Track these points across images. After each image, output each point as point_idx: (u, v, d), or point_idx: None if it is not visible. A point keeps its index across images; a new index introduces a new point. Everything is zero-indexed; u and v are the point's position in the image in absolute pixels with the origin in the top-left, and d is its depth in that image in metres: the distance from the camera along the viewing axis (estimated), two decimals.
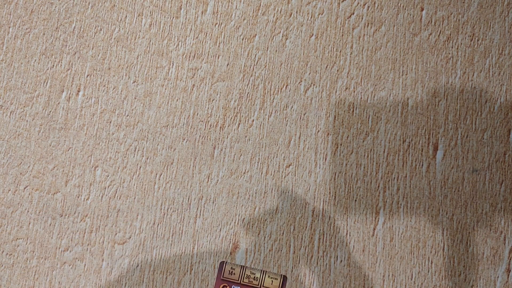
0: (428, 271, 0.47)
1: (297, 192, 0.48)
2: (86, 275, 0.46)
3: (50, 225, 0.47)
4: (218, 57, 0.51)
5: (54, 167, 0.48)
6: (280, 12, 0.51)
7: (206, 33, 0.51)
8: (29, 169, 0.48)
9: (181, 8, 0.51)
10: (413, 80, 0.50)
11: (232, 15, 0.51)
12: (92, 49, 0.50)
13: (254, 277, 0.46)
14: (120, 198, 0.47)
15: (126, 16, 0.51)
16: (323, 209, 0.48)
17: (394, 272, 0.47)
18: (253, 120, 0.49)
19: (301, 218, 0.48)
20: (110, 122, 0.49)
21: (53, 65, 0.50)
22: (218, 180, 0.48)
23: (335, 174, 0.48)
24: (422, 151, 0.49)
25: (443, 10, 0.52)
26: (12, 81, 0.50)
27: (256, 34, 0.51)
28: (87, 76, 0.50)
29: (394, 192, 0.48)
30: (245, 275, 0.46)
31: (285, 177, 0.48)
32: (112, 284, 0.45)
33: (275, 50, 0.51)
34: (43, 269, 0.46)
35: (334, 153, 0.49)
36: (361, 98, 0.50)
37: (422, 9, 0.52)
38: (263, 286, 0.46)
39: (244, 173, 0.48)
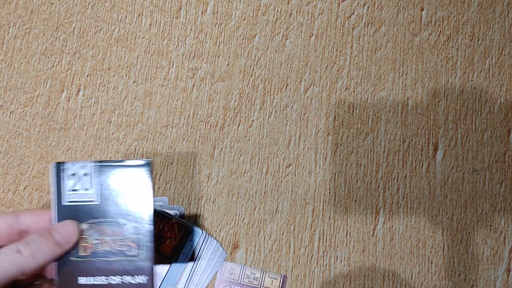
0: (428, 271, 0.47)
1: (297, 192, 0.48)
2: None
3: None
4: (218, 57, 0.51)
5: None
6: (280, 12, 0.51)
7: (206, 33, 0.51)
8: (29, 169, 0.48)
9: (181, 8, 0.51)
10: (413, 80, 0.50)
11: (232, 15, 0.51)
12: (92, 49, 0.50)
13: (254, 277, 0.46)
14: None
15: (126, 16, 0.51)
16: (323, 209, 0.48)
17: (394, 272, 0.47)
18: (253, 120, 0.49)
19: (301, 218, 0.47)
20: (110, 122, 0.49)
21: (53, 65, 0.50)
22: (218, 180, 0.48)
23: (335, 174, 0.48)
24: (422, 151, 0.49)
25: (443, 10, 0.52)
26: (12, 81, 0.50)
27: (256, 34, 0.51)
28: (87, 76, 0.50)
29: (394, 192, 0.48)
30: (245, 275, 0.46)
31: (285, 177, 0.48)
32: None
33: (275, 50, 0.51)
34: None
35: (334, 153, 0.49)
36: (361, 98, 0.50)
37: (422, 9, 0.52)
38: (263, 286, 0.46)
39: (244, 173, 0.48)
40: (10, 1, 0.51)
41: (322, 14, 0.51)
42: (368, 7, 0.52)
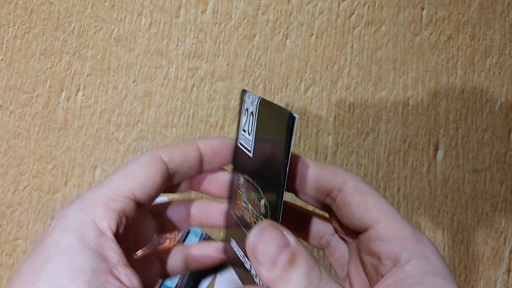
0: None
1: None
2: None
3: (49, 225, 0.46)
4: (218, 57, 0.50)
5: (53, 167, 0.48)
6: (280, 11, 0.51)
7: (206, 33, 0.51)
8: (29, 169, 0.48)
9: (180, 8, 0.51)
10: (413, 80, 0.50)
11: (232, 14, 0.51)
12: (92, 49, 0.50)
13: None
14: None
15: (126, 15, 0.51)
16: None
17: None
18: None
19: None
20: (110, 122, 0.49)
21: (53, 65, 0.50)
22: None
23: None
24: (422, 151, 0.49)
25: (444, 10, 0.52)
26: (12, 81, 0.50)
27: (256, 34, 0.51)
28: (87, 76, 0.50)
29: (395, 192, 0.48)
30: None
31: None
32: None
33: (275, 50, 0.51)
34: None
35: (335, 153, 0.49)
36: (361, 98, 0.50)
37: (423, 9, 0.52)
38: None
39: None
40: (10, 0, 0.51)
41: (322, 13, 0.51)
42: (369, 6, 0.51)
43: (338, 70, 0.50)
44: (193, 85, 0.50)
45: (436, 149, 0.49)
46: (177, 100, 0.50)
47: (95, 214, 0.21)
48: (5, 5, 0.51)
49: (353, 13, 0.51)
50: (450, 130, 0.49)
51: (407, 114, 0.50)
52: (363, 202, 0.24)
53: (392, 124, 0.49)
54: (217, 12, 0.51)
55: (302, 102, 0.50)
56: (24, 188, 0.48)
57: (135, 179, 0.23)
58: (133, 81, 0.50)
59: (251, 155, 0.25)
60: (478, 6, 0.52)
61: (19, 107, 0.49)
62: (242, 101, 0.26)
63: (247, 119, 0.25)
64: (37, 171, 0.48)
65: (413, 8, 0.52)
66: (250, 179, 0.25)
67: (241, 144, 0.26)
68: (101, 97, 0.49)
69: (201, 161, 0.26)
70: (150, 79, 0.50)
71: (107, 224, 0.21)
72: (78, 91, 0.50)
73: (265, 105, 0.24)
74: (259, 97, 0.24)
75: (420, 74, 0.50)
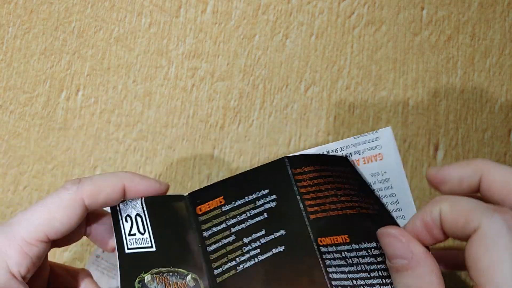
0: None
1: None
2: None
3: None
4: (218, 57, 0.50)
5: (53, 167, 0.48)
6: (280, 11, 0.51)
7: (206, 33, 0.51)
8: (29, 169, 0.48)
9: (180, 8, 0.51)
10: (413, 80, 0.50)
11: (232, 14, 0.51)
12: (92, 48, 0.50)
13: None
14: None
15: (126, 15, 0.51)
16: None
17: None
18: (253, 120, 0.49)
19: None
20: (110, 122, 0.49)
21: (53, 65, 0.50)
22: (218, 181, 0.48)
23: None
24: (422, 151, 0.49)
25: (444, 10, 0.52)
26: (12, 80, 0.50)
27: (256, 34, 0.51)
28: (87, 76, 0.50)
29: None
30: None
31: None
32: None
33: (275, 50, 0.51)
34: None
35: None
36: (361, 98, 0.50)
37: (423, 9, 0.52)
38: None
39: None
40: (10, 0, 0.51)
41: (322, 13, 0.51)
42: (369, 6, 0.51)
43: (338, 70, 0.50)
44: (193, 85, 0.50)
45: (436, 149, 0.49)
46: (177, 100, 0.50)
47: (9, 256, 0.22)
48: (5, 5, 0.51)
49: (353, 13, 0.51)
50: (450, 130, 0.49)
51: (407, 114, 0.50)
52: (479, 260, 0.22)
53: (392, 124, 0.49)
54: (217, 12, 0.51)
55: (302, 102, 0.50)
56: (24, 188, 0.47)
57: (51, 222, 0.24)
58: (133, 81, 0.50)
59: (154, 249, 0.28)
60: (478, 6, 0.52)
61: (19, 107, 0.49)
62: (116, 215, 0.29)
63: (132, 223, 0.29)
64: (37, 171, 0.48)
65: (413, 8, 0.52)
66: (163, 269, 0.28)
67: (131, 248, 0.29)
68: (101, 97, 0.49)
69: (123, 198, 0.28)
70: (150, 79, 0.50)
71: (17, 270, 0.22)
72: (78, 91, 0.49)
73: (153, 201, 0.28)
74: (142, 198, 0.28)
75: (420, 74, 0.50)
